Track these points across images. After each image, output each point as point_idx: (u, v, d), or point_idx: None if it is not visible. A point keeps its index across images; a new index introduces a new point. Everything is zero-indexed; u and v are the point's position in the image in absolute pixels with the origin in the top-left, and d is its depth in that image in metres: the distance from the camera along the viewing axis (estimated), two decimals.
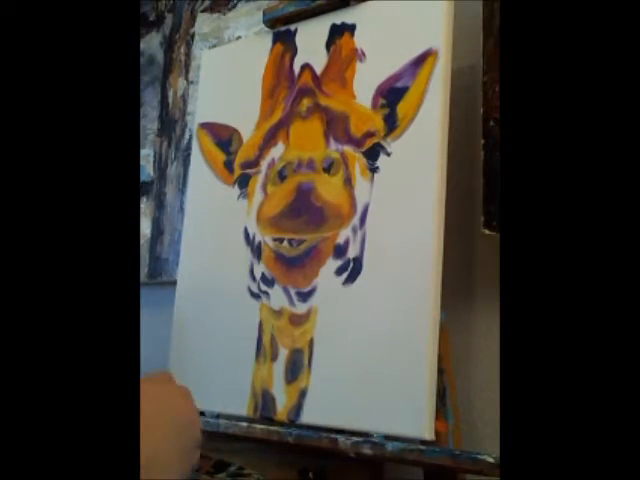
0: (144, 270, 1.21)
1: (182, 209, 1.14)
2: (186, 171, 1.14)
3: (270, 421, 0.80)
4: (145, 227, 1.23)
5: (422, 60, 0.76)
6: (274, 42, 0.92)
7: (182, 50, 1.25)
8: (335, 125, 0.82)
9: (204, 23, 1.22)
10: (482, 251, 0.84)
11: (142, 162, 1.26)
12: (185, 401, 0.57)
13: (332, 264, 0.79)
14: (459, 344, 0.82)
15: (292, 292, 0.82)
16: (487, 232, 0.76)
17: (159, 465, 0.49)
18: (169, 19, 1.29)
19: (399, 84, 0.77)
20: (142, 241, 1.23)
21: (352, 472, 0.82)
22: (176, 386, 0.59)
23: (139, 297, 0.49)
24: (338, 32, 0.85)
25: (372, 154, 0.78)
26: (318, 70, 0.86)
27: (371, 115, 0.79)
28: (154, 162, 1.25)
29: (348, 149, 0.80)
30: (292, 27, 0.91)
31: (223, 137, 0.95)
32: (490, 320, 0.82)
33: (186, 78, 1.23)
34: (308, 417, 0.77)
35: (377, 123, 0.78)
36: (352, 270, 0.77)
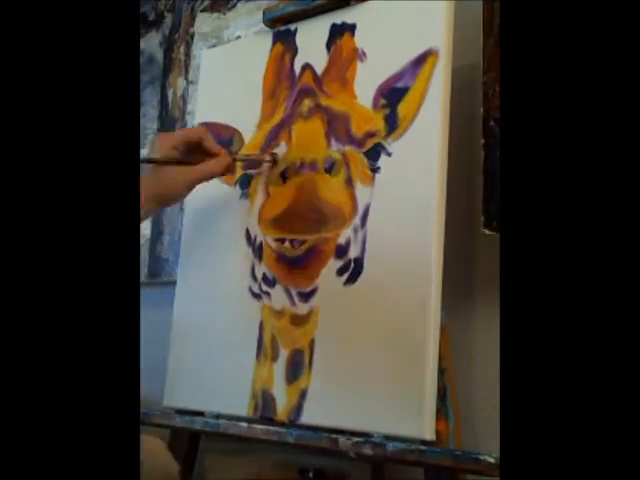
0: (144, 270, 1.21)
1: (182, 209, 1.14)
2: None
3: (270, 421, 0.80)
4: (145, 227, 1.23)
5: (422, 60, 0.76)
6: (274, 42, 0.92)
7: (182, 50, 1.25)
8: (336, 125, 0.82)
9: (204, 23, 1.22)
10: (482, 251, 0.84)
11: None
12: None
13: (333, 264, 0.79)
14: (459, 344, 0.82)
15: (293, 292, 0.82)
16: (487, 232, 0.76)
17: None
18: (169, 19, 1.29)
19: (400, 84, 0.77)
20: (142, 241, 1.22)
21: (352, 472, 0.83)
22: None
23: (139, 297, 0.49)
24: (338, 32, 0.85)
25: (373, 154, 0.78)
26: (319, 70, 0.86)
27: (372, 115, 0.79)
28: None
29: (349, 149, 0.80)
30: (292, 27, 0.91)
31: (223, 137, 0.95)
32: (490, 320, 0.82)
33: (186, 78, 1.23)
34: (308, 417, 0.77)
35: (378, 123, 0.78)
36: (353, 270, 0.77)
